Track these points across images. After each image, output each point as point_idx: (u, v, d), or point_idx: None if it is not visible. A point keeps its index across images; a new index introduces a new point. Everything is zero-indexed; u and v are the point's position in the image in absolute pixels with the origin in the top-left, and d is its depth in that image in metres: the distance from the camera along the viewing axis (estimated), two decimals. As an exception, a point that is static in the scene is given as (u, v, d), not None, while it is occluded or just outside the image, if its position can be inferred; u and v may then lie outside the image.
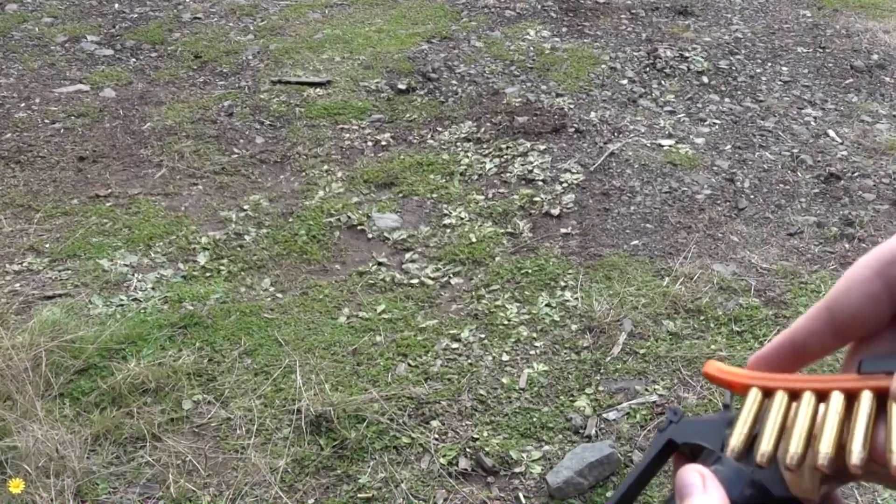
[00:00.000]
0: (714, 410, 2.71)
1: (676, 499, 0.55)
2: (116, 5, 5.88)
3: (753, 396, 0.56)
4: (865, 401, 0.50)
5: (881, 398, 0.50)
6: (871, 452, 0.49)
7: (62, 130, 4.38)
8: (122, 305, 3.20)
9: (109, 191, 3.88)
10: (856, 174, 4.07)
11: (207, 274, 3.39)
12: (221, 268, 3.42)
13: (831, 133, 4.44)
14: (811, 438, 0.52)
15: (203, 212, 3.77)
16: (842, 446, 0.50)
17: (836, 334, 0.55)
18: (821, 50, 5.38)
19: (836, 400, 0.52)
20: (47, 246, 3.52)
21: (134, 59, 5.17)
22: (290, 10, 5.86)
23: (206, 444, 2.63)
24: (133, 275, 3.37)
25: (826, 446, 0.50)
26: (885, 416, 0.49)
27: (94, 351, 2.89)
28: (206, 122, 4.48)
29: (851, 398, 0.51)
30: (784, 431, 0.53)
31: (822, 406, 0.53)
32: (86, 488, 2.45)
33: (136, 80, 4.91)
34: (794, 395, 0.54)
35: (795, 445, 0.51)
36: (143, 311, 3.16)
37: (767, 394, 0.55)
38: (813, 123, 4.53)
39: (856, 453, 0.48)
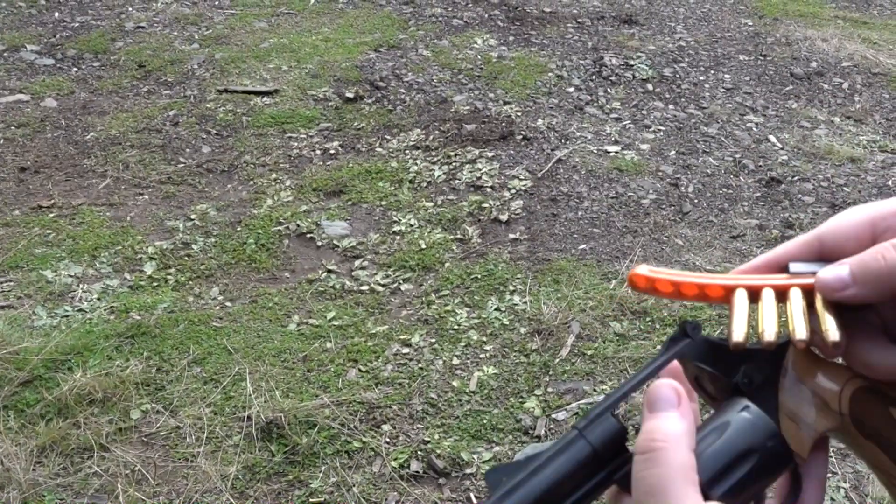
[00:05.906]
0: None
1: (644, 408, 0.55)
2: (57, 14, 5.80)
3: (741, 297, 0.61)
4: (796, 295, 0.59)
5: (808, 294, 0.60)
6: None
7: (2, 141, 4.30)
8: (67, 316, 3.15)
9: (52, 201, 3.82)
10: (796, 178, 4.16)
11: (155, 283, 3.35)
12: (169, 277, 3.39)
13: (772, 138, 4.54)
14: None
15: (149, 221, 3.73)
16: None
17: (819, 258, 0.62)
18: (762, 58, 5.50)
19: (769, 295, 0.60)
20: (-11, 257, 3.45)
21: (76, 69, 5.10)
22: (236, 20, 5.83)
23: (155, 454, 2.60)
24: (78, 285, 3.32)
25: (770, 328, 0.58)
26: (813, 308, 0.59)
27: (39, 362, 2.84)
28: (151, 131, 4.43)
29: (782, 294, 0.60)
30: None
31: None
32: (32, 500, 2.41)
33: (78, 90, 4.85)
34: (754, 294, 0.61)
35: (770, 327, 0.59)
36: (88, 321, 3.11)
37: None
38: (755, 129, 4.63)
39: (799, 332, 0.57)
